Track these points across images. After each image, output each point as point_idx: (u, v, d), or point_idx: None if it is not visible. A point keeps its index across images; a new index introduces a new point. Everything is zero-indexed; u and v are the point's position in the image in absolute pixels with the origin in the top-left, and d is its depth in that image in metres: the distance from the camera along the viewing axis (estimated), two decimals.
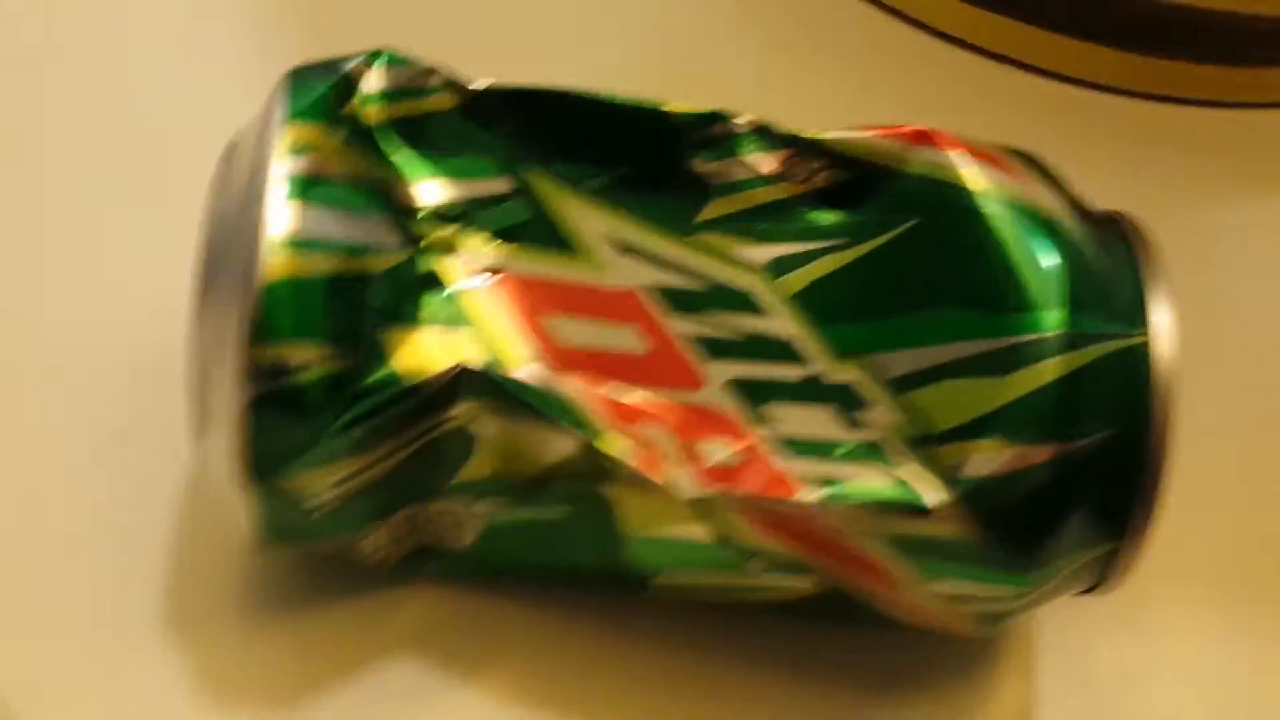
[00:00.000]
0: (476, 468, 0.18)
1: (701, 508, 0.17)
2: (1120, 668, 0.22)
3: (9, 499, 0.21)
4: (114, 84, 0.26)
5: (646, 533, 0.18)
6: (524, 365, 0.17)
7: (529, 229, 0.18)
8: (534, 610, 0.21)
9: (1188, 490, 0.24)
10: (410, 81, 0.18)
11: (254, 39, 0.28)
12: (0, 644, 0.20)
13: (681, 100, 0.26)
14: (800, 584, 0.19)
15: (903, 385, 0.17)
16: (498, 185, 0.18)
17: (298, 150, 0.17)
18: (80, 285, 0.24)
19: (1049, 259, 0.17)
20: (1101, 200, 0.28)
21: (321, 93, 0.17)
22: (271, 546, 0.19)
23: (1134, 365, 0.17)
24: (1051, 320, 0.17)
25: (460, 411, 0.17)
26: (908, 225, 0.18)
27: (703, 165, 0.18)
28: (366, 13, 0.29)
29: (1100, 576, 0.18)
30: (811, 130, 0.19)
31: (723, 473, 0.17)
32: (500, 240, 0.18)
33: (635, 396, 0.17)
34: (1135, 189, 0.29)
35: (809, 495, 0.17)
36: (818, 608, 0.19)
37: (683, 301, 0.18)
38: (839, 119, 0.29)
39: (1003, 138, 0.29)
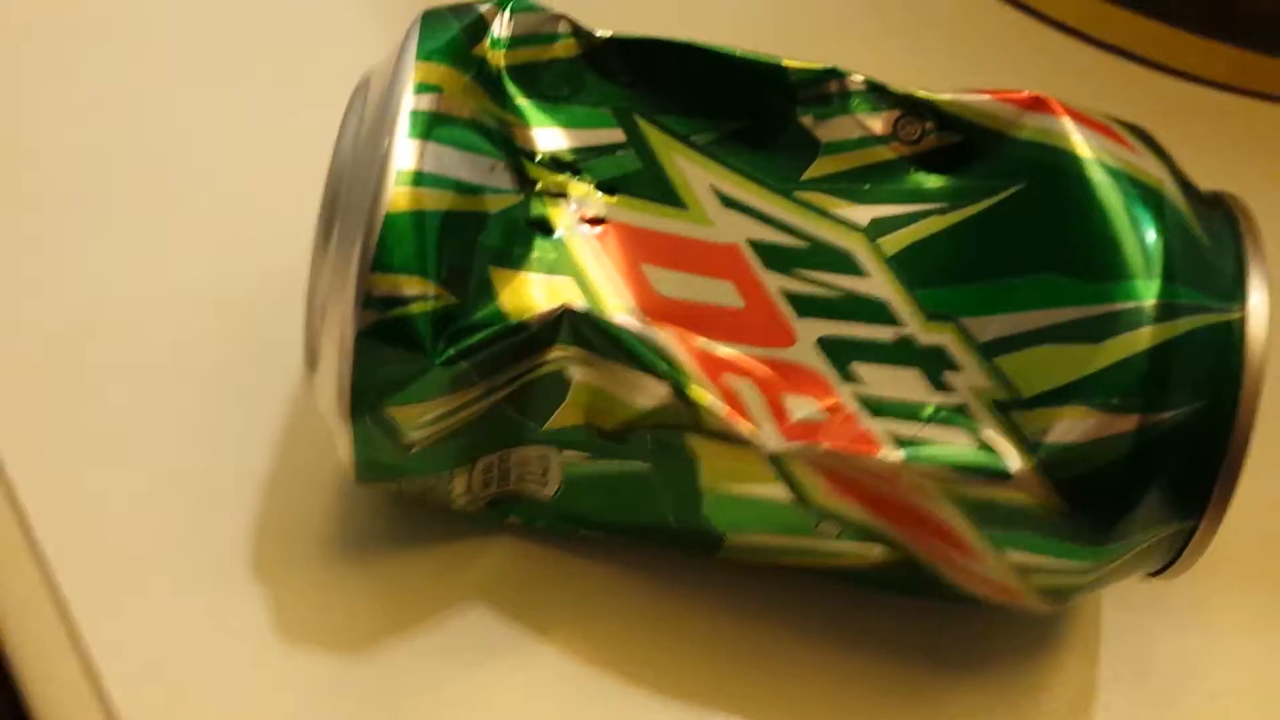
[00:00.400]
0: (567, 414, 0.19)
1: (781, 464, 0.18)
2: (1181, 658, 0.22)
3: (114, 427, 0.22)
4: (253, 18, 0.28)
5: (725, 489, 0.19)
6: (622, 313, 0.18)
7: (638, 179, 0.19)
8: (608, 567, 0.22)
9: (1260, 482, 0.24)
10: (537, 28, 0.19)
11: None
12: (89, 570, 0.21)
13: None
14: (871, 551, 0.19)
15: (993, 350, 0.18)
16: (611, 135, 0.19)
17: (426, 88, 0.18)
18: (206, 210, 0.25)
19: (1150, 229, 0.17)
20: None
21: (453, 34, 0.18)
22: (365, 481, 0.19)
23: (1226, 342, 0.17)
24: (1146, 290, 0.17)
25: (558, 354, 0.18)
26: (1012, 190, 0.18)
27: (813, 122, 0.19)
28: None
29: (1170, 557, 0.19)
30: (925, 91, 0.19)
31: (807, 428, 0.18)
32: (609, 188, 0.19)
33: (727, 350, 0.18)
34: (1243, 185, 0.28)
35: (890, 454, 0.17)
36: (888, 578, 0.20)
37: (782, 258, 0.18)
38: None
39: None
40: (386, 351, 0.17)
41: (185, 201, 0.25)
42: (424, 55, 0.18)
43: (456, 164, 0.18)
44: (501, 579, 0.21)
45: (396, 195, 0.17)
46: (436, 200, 0.17)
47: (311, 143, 0.25)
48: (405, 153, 0.17)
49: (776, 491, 0.19)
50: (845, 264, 0.18)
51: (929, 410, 0.18)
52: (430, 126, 0.17)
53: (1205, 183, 0.28)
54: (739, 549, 0.20)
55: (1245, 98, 0.30)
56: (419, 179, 0.17)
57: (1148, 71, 0.30)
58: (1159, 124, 0.29)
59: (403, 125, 0.17)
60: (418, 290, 0.17)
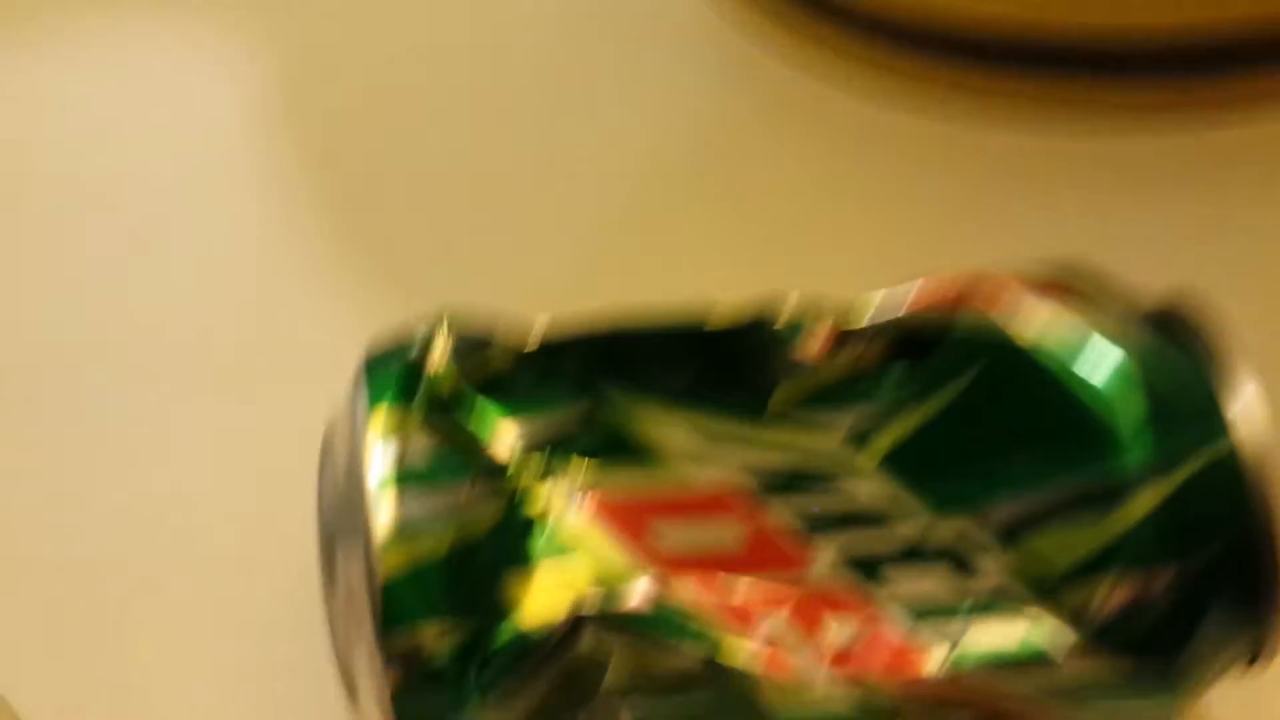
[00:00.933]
0: (614, 679, 0.19)
1: (838, 687, 0.18)
2: None
3: None
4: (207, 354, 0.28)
5: (791, 712, 0.19)
6: (636, 584, 0.18)
7: (615, 444, 0.19)
8: None
9: None
10: (479, 336, 0.19)
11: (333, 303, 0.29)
12: None
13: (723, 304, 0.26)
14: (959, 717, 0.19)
15: (1010, 534, 0.17)
16: (578, 409, 0.19)
17: (385, 440, 0.18)
18: (213, 531, 0.25)
19: (1117, 394, 0.17)
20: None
21: (396, 373, 0.18)
22: None
23: (1229, 470, 0.17)
24: (1135, 456, 0.17)
25: (587, 644, 0.18)
26: (976, 370, 0.18)
27: (758, 363, 0.19)
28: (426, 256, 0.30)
29: (1254, 654, 0.18)
30: (855, 303, 0.19)
31: (851, 655, 0.18)
32: (589, 463, 0.19)
33: (747, 589, 0.18)
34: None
35: (935, 664, 0.17)
36: None
37: (773, 486, 0.18)
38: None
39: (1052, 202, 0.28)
40: (422, 699, 0.17)
41: (189, 528, 0.25)
42: (374, 404, 0.18)
43: (435, 499, 0.18)
44: None
45: (387, 556, 0.17)
46: (428, 543, 0.17)
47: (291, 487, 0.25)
48: (384, 512, 0.17)
49: (842, 701, 0.18)
50: (837, 477, 0.18)
51: (965, 605, 0.17)
52: (399, 478, 0.18)
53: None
54: None
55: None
56: (403, 531, 0.17)
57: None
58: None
59: (372, 485, 0.17)
60: (435, 637, 0.17)
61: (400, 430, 0.18)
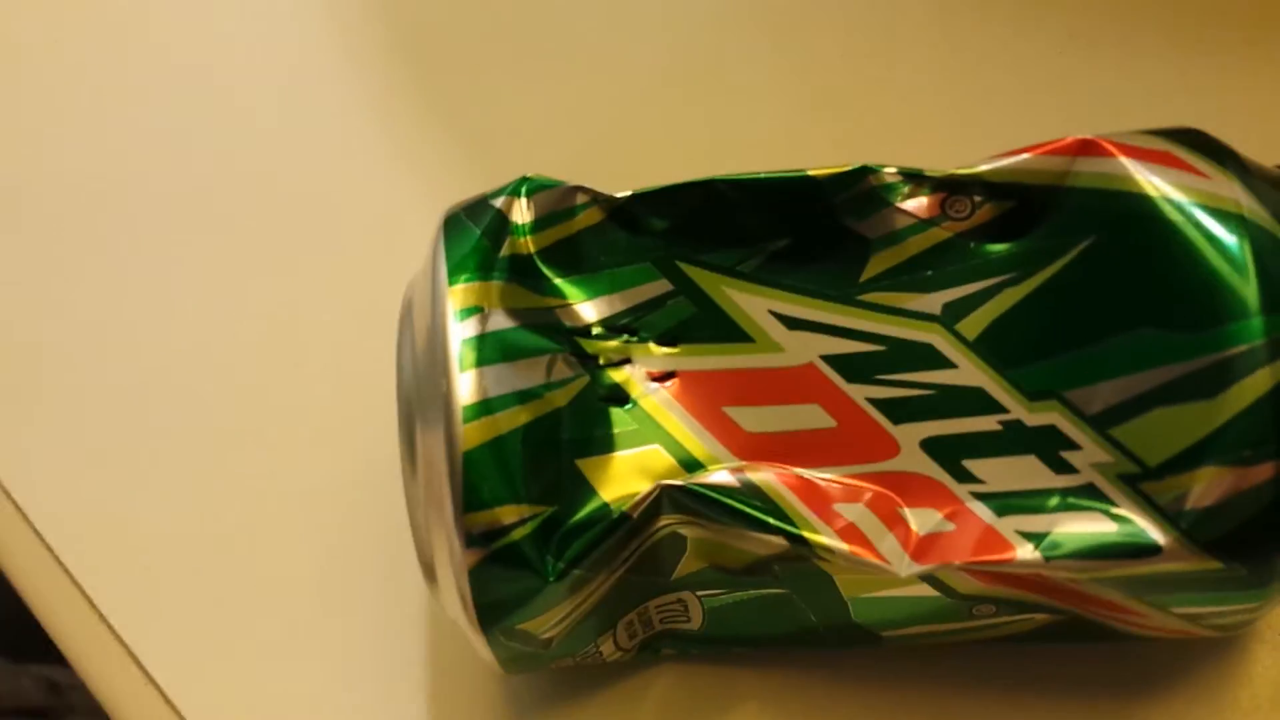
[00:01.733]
0: (690, 563, 0.18)
1: (923, 575, 0.17)
2: None
3: (274, 620, 0.23)
4: (286, 225, 0.28)
5: (868, 594, 0.18)
6: (717, 467, 0.18)
7: (696, 324, 0.18)
8: (774, 670, 0.21)
9: None
10: (556, 204, 0.19)
11: (409, 161, 0.29)
12: None
13: (822, 162, 0.25)
14: (1035, 618, 0.18)
15: (1106, 421, 0.17)
16: (658, 287, 0.18)
17: (466, 313, 0.17)
18: (293, 411, 0.25)
19: (1240, 261, 0.16)
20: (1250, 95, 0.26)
21: (474, 241, 0.18)
22: (514, 672, 0.20)
23: None
24: (1254, 329, 0.16)
25: (666, 523, 0.18)
26: (1083, 246, 0.17)
27: (858, 223, 0.18)
28: (512, 134, 0.29)
29: None
30: (964, 166, 0.18)
31: (934, 543, 0.17)
32: (671, 340, 0.18)
33: (831, 475, 0.18)
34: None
35: (1028, 553, 0.17)
36: (1057, 634, 0.19)
37: (862, 367, 0.18)
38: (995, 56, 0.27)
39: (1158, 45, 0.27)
40: (499, 579, 0.17)
41: (269, 394, 0.25)
42: (453, 275, 0.18)
43: (515, 376, 0.17)
44: (675, 704, 0.21)
45: (468, 432, 0.17)
46: (508, 420, 0.17)
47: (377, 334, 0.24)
48: (464, 387, 0.17)
49: (923, 590, 0.18)
50: (929, 358, 0.18)
51: (1055, 498, 0.17)
52: (480, 350, 0.17)
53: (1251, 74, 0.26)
54: (898, 639, 0.20)
55: None
56: (484, 408, 0.17)
57: None
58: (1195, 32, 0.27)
59: (454, 359, 0.17)
60: (514, 516, 0.17)
61: (481, 303, 0.18)
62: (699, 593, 0.19)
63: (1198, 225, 0.16)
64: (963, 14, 0.28)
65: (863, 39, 0.28)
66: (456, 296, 0.18)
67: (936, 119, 0.27)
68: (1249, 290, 0.16)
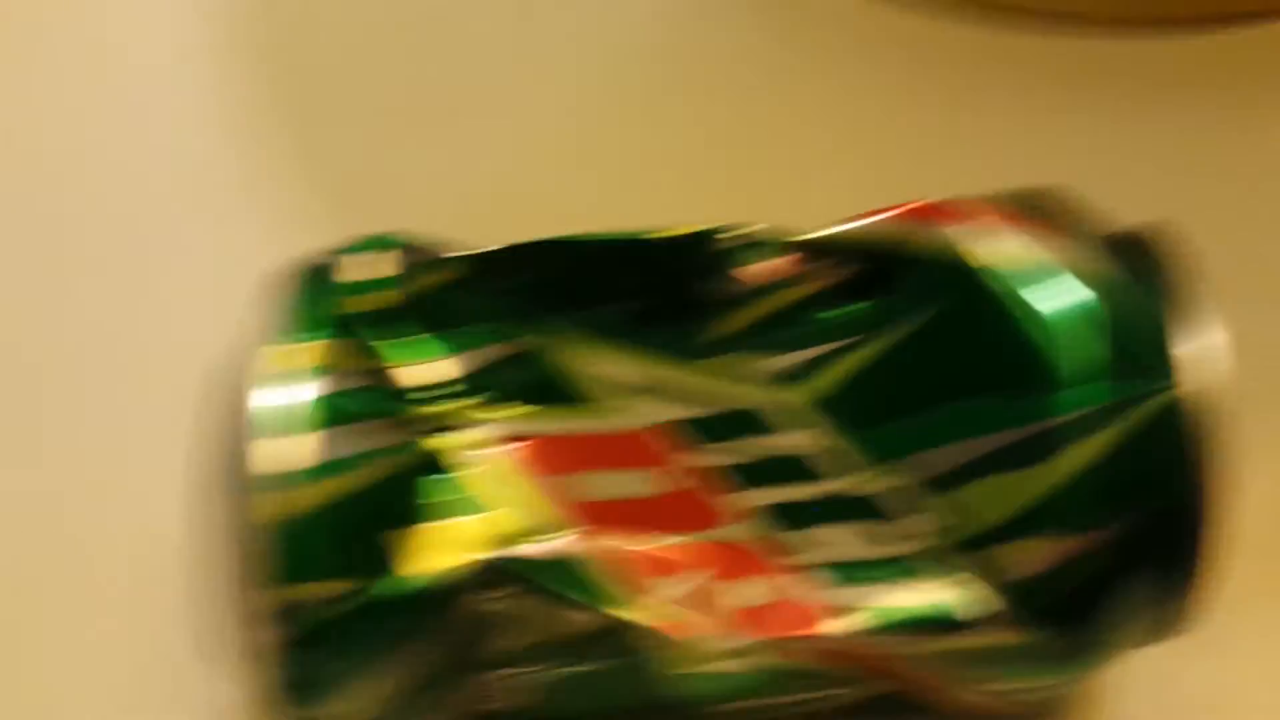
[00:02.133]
0: (515, 640, 0.18)
1: (738, 650, 0.17)
2: (1209, 695, 0.21)
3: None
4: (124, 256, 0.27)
5: (694, 670, 0.18)
6: (541, 536, 0.17)
7: (534, 388, 0.18)
8: None
9: (1263, 472, 0.23)
10: (399, 264, 0.18)
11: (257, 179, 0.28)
12: None
13: (671, 223, 0.25)
14: (854, 692, 0.18)
15: (939, 487, 0.17)
16: (498, 350, 0.18)
17: (282, 374, 0.17)
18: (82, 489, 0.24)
19: (1064, 328, 0.16)
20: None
21: (307, 297, 0.17)
22: None
23: (1170, 424, 0.16)
24: (1074, 398, 0.16)
25: (483, 598, 0.17)
26: (926, 315, 0.17)
27: (701, 287, 0.18)
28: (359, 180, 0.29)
29: (1166, 631, 0.18)
30: (810, 230, 0.18)
31: (753, 615, 0.17)
32: (509, 405, 0.18)
33: (652, 545, 0.17)
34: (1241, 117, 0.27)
35: (842, 626, 0.16)
36: (881, 707, 0.19)
37: (695, 434, 0.18)
38: (856, 114, 0.28)
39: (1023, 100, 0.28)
40: (309, 657, 0.16)
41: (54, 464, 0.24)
42: (274, 334, 0.17)
43: (331, 446, 0.16)
44: None
45: (270, 507, 0.16)
46: (316, 494, 0.16)
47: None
48: (267, 460, 0.16)
49: (746, 664, 0.18)
50: (765, 424, 0.18)
51: (876, 570, 0.17)
52: (296, 416, 0.17)
53: (1210, 118, 0.26)
54: (726, 715, 0.19)
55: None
56: (289, 481, 0.16)
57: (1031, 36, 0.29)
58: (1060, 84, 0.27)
59: (262, 426, 0.16)
60: (320, 593, 0.16)
61: (299, 364, 0.17)
62: (525, 669, 0.19)
63: (1023, 294, 0.17)
64: (835, 73, 0.29)
65: (749, 95, 0.29)
66: (269, 358, 0.17)
67: (793, 178, 0.27)
68: (1071, 357, 0.16)
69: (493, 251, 0.18)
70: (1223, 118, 0.28)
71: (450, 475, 0.17)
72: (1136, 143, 0.28)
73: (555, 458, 0.18)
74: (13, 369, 0.26)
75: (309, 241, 0.26)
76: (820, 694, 0.18)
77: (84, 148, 0.29)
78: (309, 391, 0.17)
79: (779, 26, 0.30)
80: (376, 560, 0.17)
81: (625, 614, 0.17)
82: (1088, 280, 0.17)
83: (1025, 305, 0.17)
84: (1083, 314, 0.17)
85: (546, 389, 0.18)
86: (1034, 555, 0.16)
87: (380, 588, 0.16)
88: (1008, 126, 0.28)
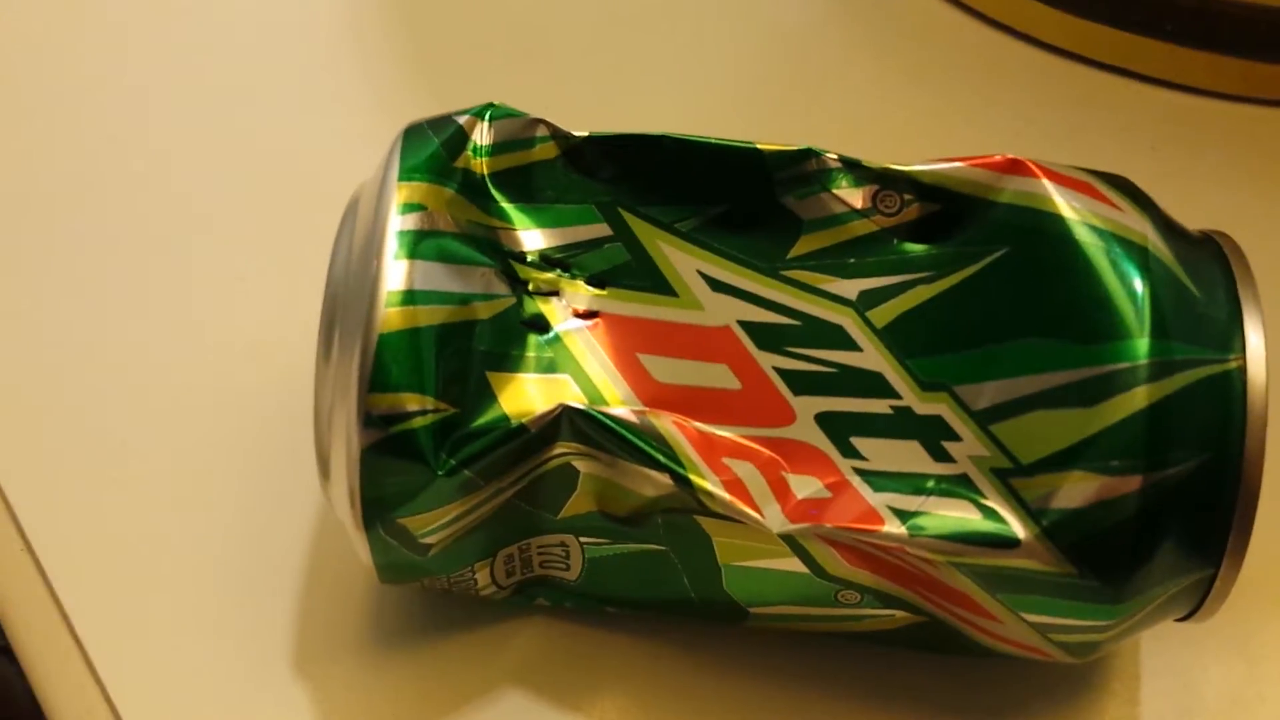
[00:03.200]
0: (579, 503, 0.19)
1: (792, 540, 0.18)
2: (1228, 695, 0.21)
3: (150, 529, 0.23)
4: (252, 137, 0.28)
5: (741, 564, 0.19)
6: (621, 404, 0.18)
7: (626, 271, 0.19)
8: (640, 641, 0.22)
9: None
10: (517, 133, 0.19)
11: (379, 96, 0.30)
12: (129, 675, 0.22)
13: (782, 131, 0.26)
14: (894, 615, 0.19)
15: (989, 417, 0.18)
16: (597, 230, 0.19)
17: (409, 207, 0.18)
18: (222, 324, 0.25)
19: (1137, 286, 0.17)
20: (1209, 206, 0.28)
21: (433, 149, 0.19)
22: (389, 581, 0.20)
23: (1225, 391, 0.17)
24: (1139, 349, 0.17)
25: (561, 450, 0.18)
26: (996, 255, 0.18)
27: (794, 202, 0.19)
28: (482, 66, 0.30)
29: (1196, 603, 0.18)
30: (900, 163, 0.19)
31: (811, 506, 0.18)
32: (600, 282, 0.19)
33: (727, 432, 0.18)
34: (1244, 194, 0.28)
35: (895, 528, 0.17)
36: (915, 637, 0.20)
37: (774, 337, 0.19)
38: (952, 136, 0.29)
39: (1115, 147, 0.29)
40: (391, 466, 0.18)
41: (201, 304, 0.26)
42: (405, 174, 0.18)
43: (445, 277, 0.18)
44: (536, 661, 0.22)
45: (389, 316, 0.17)
46: (429, 315, 0.18)
47: (312, 255, 0.25)
48: (394, 273, 0.18)
49: (792, 564, 0.19)
50: (837, 339, 0.19)
51: (930, 482, 0.18)
52: (416, 244, 0.18)
53: (1224, 193, 0.28)
54: (764, 618, 0.20)
55: (1251, 105, 0.29)
56: (409, 297, 0.18)
57: (1150, 87, 0.30)
58: (1167, 137, 0.29)
59: (390, 247, 0.18)
60: (417, 405, 0.18)
61: (426, 203, 0.18)
62: (582, 539, 0.20)
63: (1102, 248, 0.18)
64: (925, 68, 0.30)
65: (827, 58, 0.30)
66: (404, 191, 0.18)
67: (849, 136, 0.28)
68: (1139, 313, 0.17)
69: (601, 136, 0.19)
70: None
71: (545, 336, 0.18)
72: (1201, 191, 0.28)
73: (639, 338, 0.19)
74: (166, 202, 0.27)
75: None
76: (864, 611, 0.19)
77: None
78: (433, 225, 0.18)
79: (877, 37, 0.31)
80: (474, 392, 0.18)
81: (699, 480, 0.18)
82: (1158, 250, 0.18)
83: (1104, 259, 0.17)
84: (1154, 279, 0.17)
85: (635, 273, 0.19)
86: (1076, 489, 0.17)
87: (474, 416, 0.18)
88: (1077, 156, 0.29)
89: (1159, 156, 0.28)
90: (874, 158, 0.19)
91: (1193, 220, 0.27)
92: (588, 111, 0.29)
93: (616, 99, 0.29)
